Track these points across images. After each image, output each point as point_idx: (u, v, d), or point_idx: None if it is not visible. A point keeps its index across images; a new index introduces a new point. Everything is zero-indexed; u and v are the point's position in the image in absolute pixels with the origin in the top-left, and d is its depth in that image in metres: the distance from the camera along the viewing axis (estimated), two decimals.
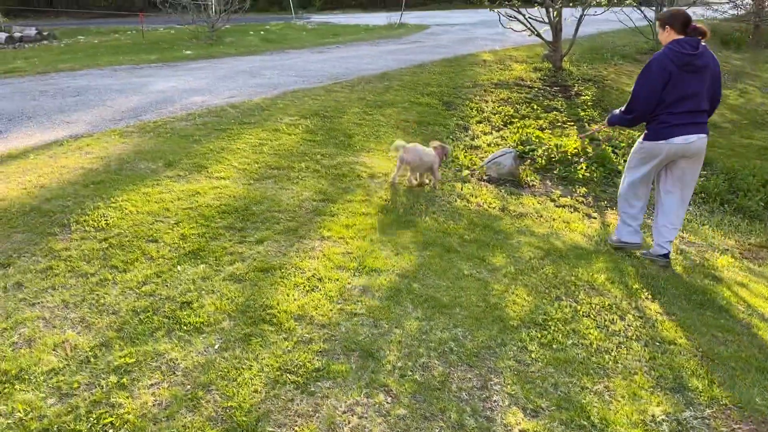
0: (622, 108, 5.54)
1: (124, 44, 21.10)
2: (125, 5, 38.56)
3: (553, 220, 6.57)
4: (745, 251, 6.52)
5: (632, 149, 5.61)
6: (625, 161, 8.82)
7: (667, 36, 5.13)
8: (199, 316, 3.88)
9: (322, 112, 9.22)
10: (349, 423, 3.11)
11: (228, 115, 8.76)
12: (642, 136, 5.43)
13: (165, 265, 4.48)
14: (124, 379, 3.29)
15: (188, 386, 3.28)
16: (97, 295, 4.06)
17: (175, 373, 3.39)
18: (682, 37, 5.04)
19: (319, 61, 14.85)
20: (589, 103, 11.68)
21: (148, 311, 3.91)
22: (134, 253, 4.59)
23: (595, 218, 6.92)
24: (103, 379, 3.30)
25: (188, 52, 17.57)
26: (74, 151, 6.92)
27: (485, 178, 7.71)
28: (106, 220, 5.08)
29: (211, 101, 9.76)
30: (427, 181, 6.97)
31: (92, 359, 3.45)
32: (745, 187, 8.42)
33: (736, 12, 24.01)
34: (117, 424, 2.99)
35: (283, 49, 18.56)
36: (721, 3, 23.34)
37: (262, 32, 24.25)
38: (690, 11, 18.63)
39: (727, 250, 6.37)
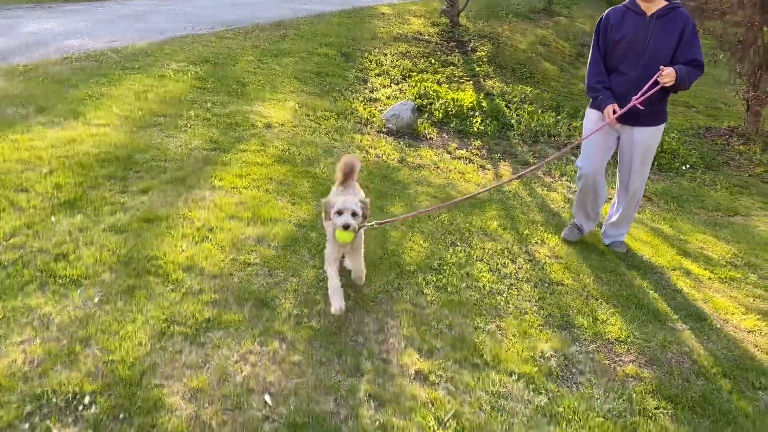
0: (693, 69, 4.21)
1: None
2: None
3: (450, 171, 6.64)
4: None
5: (657, 140, 4.64)
6: (518, 115, 9.07)
7: None
8: (76, 269, 3.58)
9: (213, 59, 8.75)
10: (241, 372, 2.99)
11: (109, 60, 8.12)
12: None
13: (37, 216, 4.09)
14: None
15: (64, 341, 3.03)
16: None
17: (48, 328, 3.11)
18: None
19: (210, 7, 14.06)
20: (484, 59, 11.85)
21: (17, 264, 3.56)
22: (0, 204, 4.16)
23: (489, 169, 7.07)
24: None
25: None
26: None
27: (384, 130, 7.65)
28: None
29: (90, 45, 9.00)
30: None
31: None
32: None
33: None
34: None
35: None
36: None
37: None
38: None
39: (610, 198, 6.72)
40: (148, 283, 3.55)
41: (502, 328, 3.63)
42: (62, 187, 4.50)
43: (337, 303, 3.37)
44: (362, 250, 3.72)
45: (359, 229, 3.43)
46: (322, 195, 5.12)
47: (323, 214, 3.52)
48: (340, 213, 3.32)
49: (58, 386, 2.74)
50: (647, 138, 4.48)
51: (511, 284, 4.12)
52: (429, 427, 2.79)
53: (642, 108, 4.19)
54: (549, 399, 3.07)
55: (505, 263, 4.40)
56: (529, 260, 4.50)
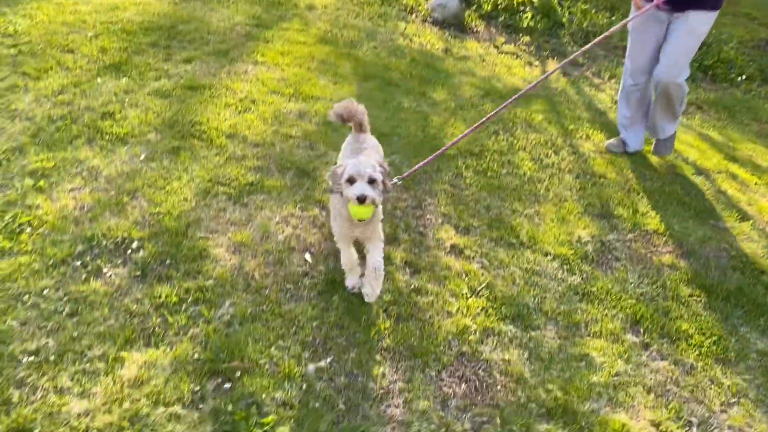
0: None
1: None
2: None
3: (495, 65, 6.44)
4: None
5: (701, 28, 4.09)
6: (570, 14, 8.65)
7: None
8: (123, 127, 3.63)
9: None
10: (283, 232, 3.07)
11: None
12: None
13: (83, 76, 4.12)
14: (42, 183, 3.09)
15: (112, 192, 3.12)
16: (8, 100, 3.72)
17: (97, 179, 3.20)
18: None
19: None
20: None
21: (66, 119, 3.62)
22: (48, 62, 4.19)
23: (536, 66, 6.83)
24: (18, 182, 3.08)
25: None
26: None
27: (429, 19, 7.39)
28: (15, 27, 4.57)
29: None
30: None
31: (4, 162, 3.21)
32: None
33: None
34: (35, 224, 2.83)
35: None
36: None
37: None
38: None
39: None
40: (192, 146, 3.60)
41: (541, 213, 3.62)
42: (107, 50, 4.49)
43: (352, 279, 2.75)
44: (382, 238, 2.72)
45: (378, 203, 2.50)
46: (365, 77, 5.05)
47: (330, 185, 2.56)
48: (352, 181, 2.42)
49: (107, 231, 2.85)
50: (692, 22, 3.98)
51: (552, 174, 4.07)
52: (462, 295, 2.86)
53: (667, 8, 3.93)
54: (583, 279, 3.10)
55: (547, 154, 4.33)
56: (572, 153, 4.42)
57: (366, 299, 2.67)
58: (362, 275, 2.72)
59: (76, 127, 3.58)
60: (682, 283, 3.18)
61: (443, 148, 3.29)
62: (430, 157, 3.08)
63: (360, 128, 2.96)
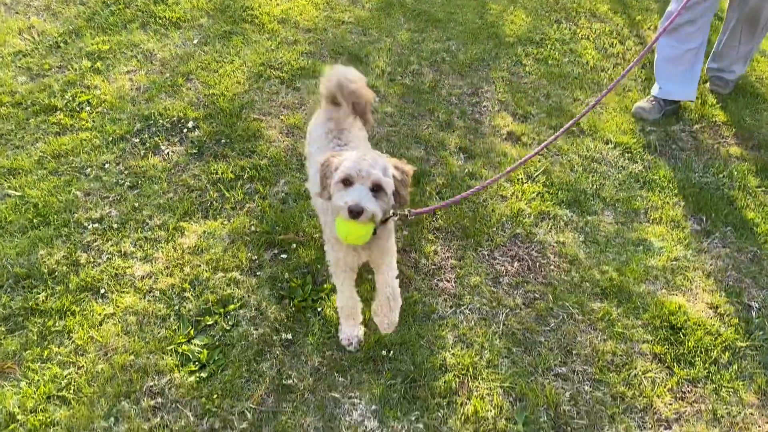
0: None
1: None
2: None
3: None
4: None
5: None
6: None
7: None
8: (175, 12, 3.59)
9: None
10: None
11: None
12: None
13: None
14: (98, 64, 3.12)
15: (167, 74, 3.12)
16: None
17: (152, 62, 3.21)
18: None
19: None
20: None
21: (120, 4, 3.60)
22: None
23: None
24: (76, 63, 3.12)
25: None
26: None
27: None
28: None
29: None
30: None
31: (62, 45, 3.24)
32: None
33: None
34: (94, 103, 2.88)
35: None
36: None
37: None
38: None
39: None
40: (244, 30, 3.54)
41: (603, 101, 3.46)
42: None
43: (349, 330, 2.04)
44: (394, 255, 2.01)
45: (386, 219, 1.76)
46: None
47: (311, 183, 1.94)
48: (348, 182, 1.63)
49: (163, 110, 2.88)
50: None
51: (616, 63, 3.86)
52: (517, 180, 2.80)
53: None
54: (644, 167, 2.98)
55: (612, 43, 4.09)
56: (639, 43, 4.16)
57: (383, 331, 2.02)
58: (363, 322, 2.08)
59: (129, 11, 3.56)
60: (750, 173, 3.03)
61: (489, 181, 2.63)
62: (461, 194, 2.23)
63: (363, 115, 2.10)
